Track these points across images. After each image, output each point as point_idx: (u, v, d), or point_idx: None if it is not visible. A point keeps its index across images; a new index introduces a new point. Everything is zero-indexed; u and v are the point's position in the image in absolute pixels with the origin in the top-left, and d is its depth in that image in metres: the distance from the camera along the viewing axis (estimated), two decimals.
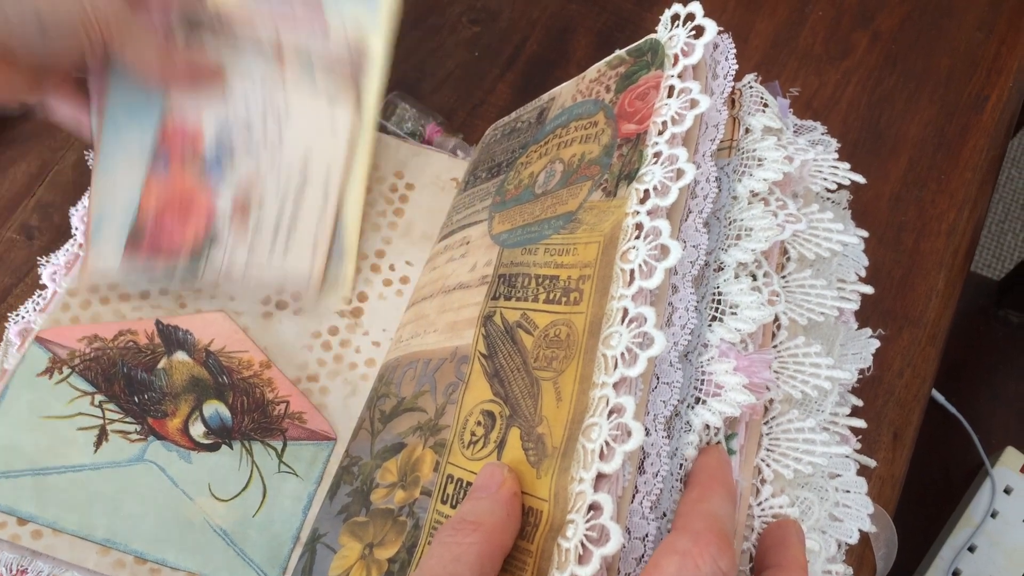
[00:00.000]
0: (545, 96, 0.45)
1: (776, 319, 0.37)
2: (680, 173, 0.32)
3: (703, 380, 0.33)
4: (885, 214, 0.57)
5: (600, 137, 0.37)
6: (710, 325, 0.34)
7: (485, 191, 0.44)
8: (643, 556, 0.28)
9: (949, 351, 0.55)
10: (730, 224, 0.37)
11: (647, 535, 0.28)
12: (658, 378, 0.30)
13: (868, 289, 0.45)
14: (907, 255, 0.55)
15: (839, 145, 0.41)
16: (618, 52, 0.40)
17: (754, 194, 0.37)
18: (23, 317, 0.47)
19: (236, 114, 0.46)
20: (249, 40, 0.46)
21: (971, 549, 0.83)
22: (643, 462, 0.29)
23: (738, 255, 0.36)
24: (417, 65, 0.59)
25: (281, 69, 0.46)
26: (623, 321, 0.30)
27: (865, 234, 0.45)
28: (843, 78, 0.62)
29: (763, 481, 0.35)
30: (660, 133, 0.34)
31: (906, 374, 0.51)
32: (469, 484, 0.32)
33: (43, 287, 0.48)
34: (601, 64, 0.41)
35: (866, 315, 0.50)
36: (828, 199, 0.46)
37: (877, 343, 0.46)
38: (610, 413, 0.28)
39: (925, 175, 0.59)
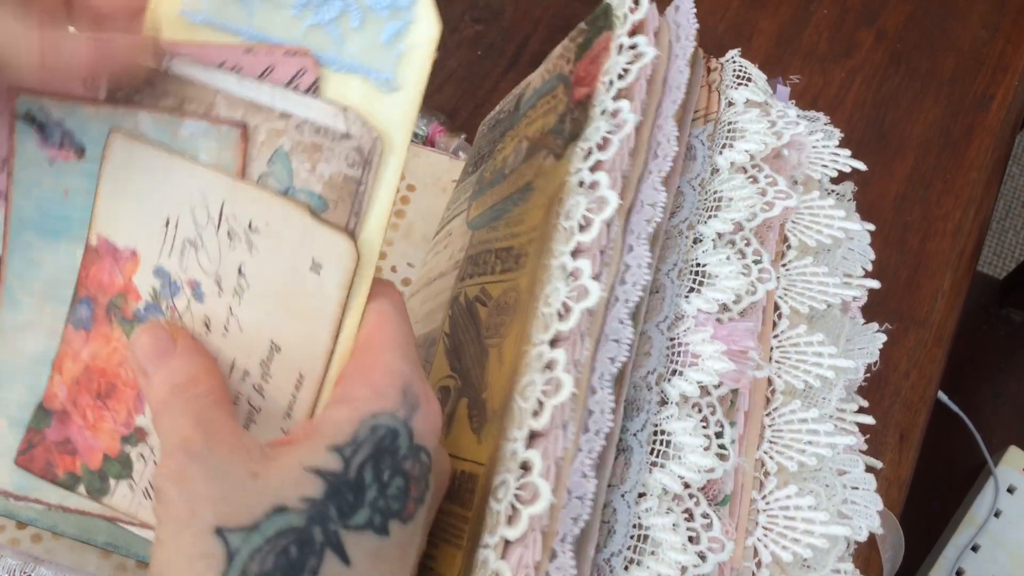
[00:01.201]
0: (522, 83, 0.45)
1: (777, 308, 0.37)
2: (622, 124, 0.31)
3: (680, 352, 0.33)
4: (890, 214, 0.56)
5: (558, 107, 0.37)
6: (687, 297, 0.34)
7: (469, 183, 0.44)
8: (581, 516, 0.27)
9: (952, 350, 0.54)
10: (710, 196, 0.36)
11: (586, 494, 0.27)
12: (606, 335, 0.30)
13: (874, 284, 0.45)
14: (913, 255, 0.55)
15: (842, 135, 0.41)
16: (579, 25, 0.40)
17: (735, 166, 0.37)
18: None
19: (181, 259, 0.30)
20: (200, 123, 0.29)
21: (975, 548, 0.83)
22: (587, 420, 0.28)
23: (716, 225, 0.35)
24: None
25: (239, 178, 0.28)
26: (563, 279, 0.29)
27: (871, 227, 0.45)
28: (848, 77, 0.62)
29: (767, 474, 0.35)
30: (607, 91, 0.33)
31: (912, 375, 0.51)
32: None
33: None
34: (565, 40, 0.41)
35: (872, 315, 0.49)
36: (832, 191, 0.46)
37: (884, 338, 0.45)
38: (544, 369, 0.27)
39: (930, 175, 0.58)
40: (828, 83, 0.61)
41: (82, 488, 0.32)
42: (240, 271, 0.28)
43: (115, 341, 0.31)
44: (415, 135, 0.55)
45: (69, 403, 0.32)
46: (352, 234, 0.28)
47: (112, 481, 0.31)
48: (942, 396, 0.85)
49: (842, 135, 0.42)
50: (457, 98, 0.58)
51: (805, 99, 0.61)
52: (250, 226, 0.28)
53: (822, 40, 0.63)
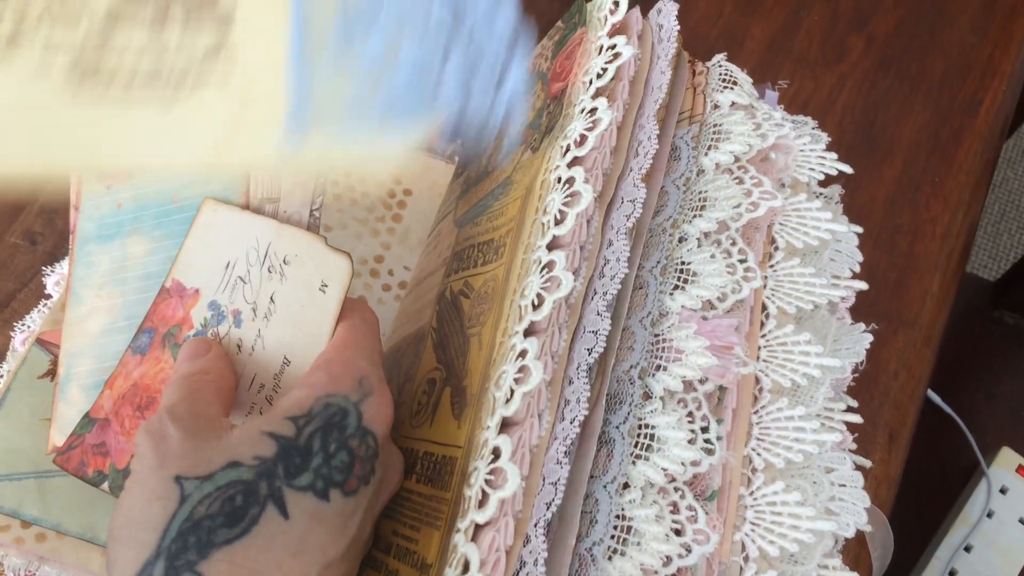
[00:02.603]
0: None
1: (764, 308, 0.38)
2: (598, 122, 0.32)
3: (663, 347, 0.34)
4: (880, 217, 0.57)
5: (535, 103, 0.38)
6: (671, 294, 0.34)
7: (457, 184, 0.45)
8: (553, 501, 0.28)
9: (945, 352, 0.55)
10: (695, 196, 0.37)
11: (559, 479, 0.28)
12: (584, 327, 0.30)
13: (862, 285, 0.45)
14: (902, 257, 0.56)
15: (829, 139, 0.42)
16: (557, 23, 0.41)
17: (720, 167, 0.38)
18: (28, 326, 0.47)
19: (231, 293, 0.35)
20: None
21: (967, 549, 0.83)
22: (563, 409, 0.29)
23: (701, 224, 0.36)
24: None
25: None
26: (538, 272, 0.30)
27: (859, 229, 0.45)
28: (838, 82, 0.63)
29: (754, 470, 0.35)
30: (586, 90, 0.34)
31: (901, 375, 0.52)
32: (426, 454, 0.32)
33: (48, 296, 0.48)
34: (544, 39, 0.42)
35: (861, 316, 0.50)
36: (820, 194, 0.47)
37: (870, 338, 0.46)
38: (516, 358, 0.28)
39: (919, 178, 0.59)
40: (819, 87, 0.62)
41: (106, 485, 0.35)
42: (272, 299, 0.33)
43: (163, 363, 0.35)
44: None
45: (112, 413, 0.36)
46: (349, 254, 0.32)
47: None
48: (935, 397, 0.86)
49: (830, 139, 0.42)
50: None
51: (796, 103, 0.61)
52: (284, 260, 0.33)
53: (813, 45, 0.64)
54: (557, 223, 0.30)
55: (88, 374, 0.38)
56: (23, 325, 0.47)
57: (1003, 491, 0.86)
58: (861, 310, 0.51)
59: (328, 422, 0.28)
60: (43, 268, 0.49)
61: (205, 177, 0.36)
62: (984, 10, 0.66)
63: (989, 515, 0.85)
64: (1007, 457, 0.87)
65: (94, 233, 0.39)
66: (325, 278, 0.32)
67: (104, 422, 0.36)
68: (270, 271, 0.34)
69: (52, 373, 0.43)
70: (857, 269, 0.47)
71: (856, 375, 0.47)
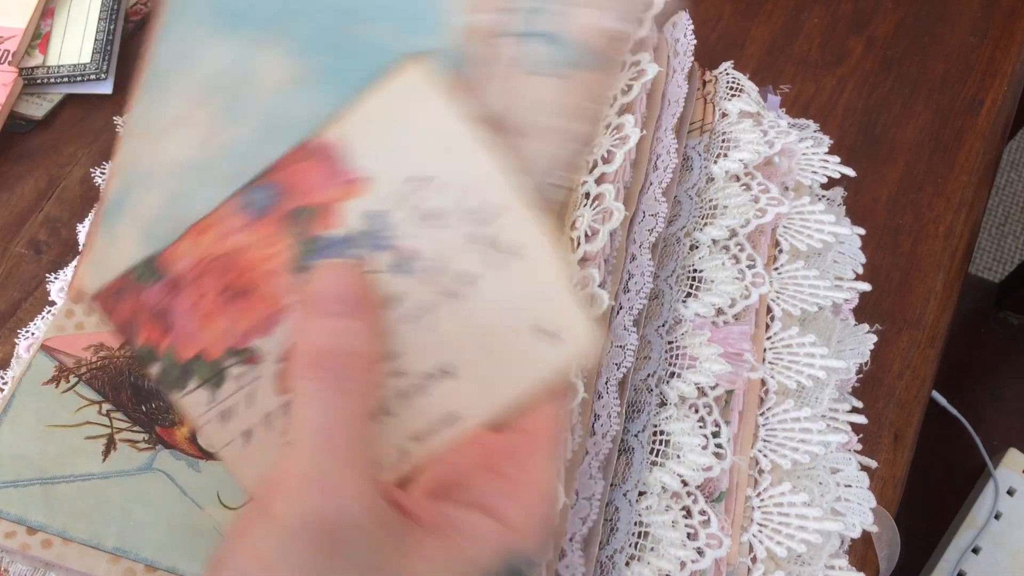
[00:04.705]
0: None
1: (769, 311, 0.38)
2: (626, 139, 0.32)
3: (677, 355, 0.34)
4: (882, 218, 0.57)
5: None
6: (684, 301, 0.35)
7: None
8: (589, 515, 0.27)
9: (950, 353, 0.55)
10: (706, 204, 0.38)
11: (593, 495, 0.28)
12: (611, 342, 0.31)
13: (865, 286, 0.45)
14: (905, 258, 0.56)
15: (831, 142, 0.42)
16: None
17: (729, 175, 0.38)
18: (33, 334, 0.47)
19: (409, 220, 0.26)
20: None
21: (975, 551, 0.83)
22: (594, 424, 0.29)
23: (712, 232, 0.36)
24: None
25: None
26: None
27: (861, 231, 0.45)
28: (839, 84, 0.63)
29: (761, 471, 0.35)
30: (611, 105, 0.34)
31: (906, 376, 0.52)
32: None
33: (52, 303, 0.48)
34: None
35: (865, 317, 0.50)
36: (823, 196, 0.47)
37: (874, 338, 0.46)
38: None
39: (921, 179, 0.59)
40: (820, 90, 0.62)
41: (155, 369, 0.27)
42: (467, 278, 0.25)
43: (276, 248, 0.26)
44: None
45: (189, 276, 0.27)
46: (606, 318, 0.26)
47: (194, 382, 0.27)
48: (941, 399, 0.86)
49: (832, 142, 0.43)
50: None
51: (797, 106, 0.61)
52: (508, 247, 0.25)
53: (813, 48, 0.64)
54: (587, 239, 0.31)
55: (153, 209, 0.27)
56: (28, 332, 0.47)
57: (1011, 492, 0.86)
58: (865, 310, 0.51)
59: None
60: (47, 276, 0.50)
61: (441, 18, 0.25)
62: (984, 11, 0.66)
63: (997, 516, 0.84)
64: (1014, 458, 0.87)
65: (209, 7, 0.27)
66: (548, 323, 0.25)
67: (173, 284, 0.27)
68: (482, 242, 0.25)
69: (57, 380, 0.43)
70: (860, 270, 0.47)
71: (860, 376, 0.47)
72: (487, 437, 0.25)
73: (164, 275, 0.27)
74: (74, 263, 0.50)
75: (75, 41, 0.59)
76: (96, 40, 0.58)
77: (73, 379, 0.43)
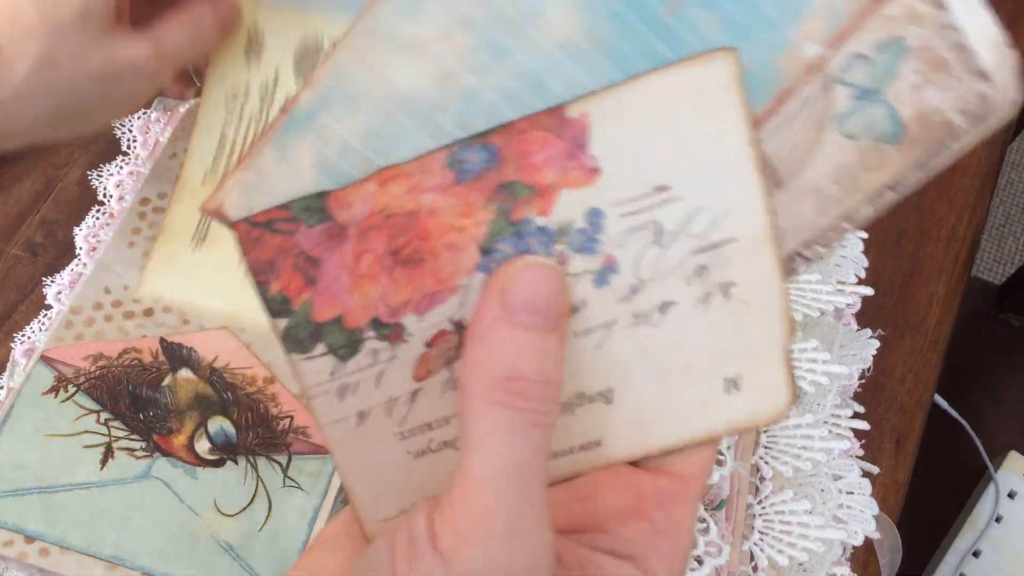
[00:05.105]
0: None
1: None
2: None
3: None
4: (884, 221, 0.57)
5: None
6: None
7: None
8: None
9: (951, 355, 0.55)
10: None
11: None
12: None
13: (867, 291, 0.45)
14: (907, 261, 0.56)
15: None
16: None
17: None
18: (28, 337, 0.47)
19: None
20: None
21: (976, 554, 0.83)
22: None
23: None
24: None
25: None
26: None
27: (863, 235, 0.45)
28: None
29: (762, 479, 0.35)
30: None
31: (908, 380, 0.51)
32: None
33: (48, 307, 0.48)
34: None
35: (867, 321, 0.50)
36: None
37: (877, 343, 0.46)
38: None
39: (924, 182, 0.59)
40: None
41: (284, 325, 0.23)
42: (667, 308, 0.22)
43: (471, 220, 0.22)
44: None
45: (358, 228, 0.22)
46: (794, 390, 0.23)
47: (321, 347, 0.23)
48: (941, 402, 0.86)
49: None
50: None
51: None
52: (730, 287, 0.22)
53: None
54: None
55: (347, 138, 0.22)
56: (23, 336, 0.47)
57: (1011, 496, 0.86)
58: (867, 314, 0.51)
59: None
60: (43, 279, 0.49)
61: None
62: None
63: (998, 520, 0.84)
64: (1015, 461, 0.87)
65: None
66: (754, 386, 0.22)
67: (339, 230, 0.22)
68: (698, 274, 0.22)
69: (56, 390, 0.43)
70: (862, 274, 0.47)
71: (863, 381, 0.47)
72: (635, 476, 0.23)
73: (330, 218, 0.22)
74: (71, 266, 0.49)
75: None
76: None
77: (72, 389, 0.43)
